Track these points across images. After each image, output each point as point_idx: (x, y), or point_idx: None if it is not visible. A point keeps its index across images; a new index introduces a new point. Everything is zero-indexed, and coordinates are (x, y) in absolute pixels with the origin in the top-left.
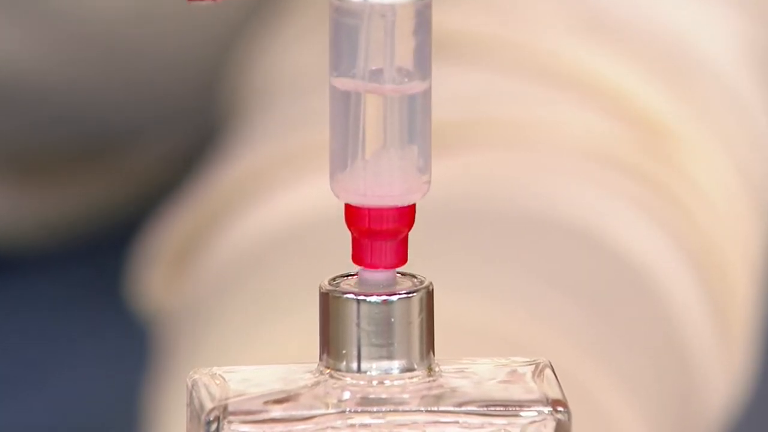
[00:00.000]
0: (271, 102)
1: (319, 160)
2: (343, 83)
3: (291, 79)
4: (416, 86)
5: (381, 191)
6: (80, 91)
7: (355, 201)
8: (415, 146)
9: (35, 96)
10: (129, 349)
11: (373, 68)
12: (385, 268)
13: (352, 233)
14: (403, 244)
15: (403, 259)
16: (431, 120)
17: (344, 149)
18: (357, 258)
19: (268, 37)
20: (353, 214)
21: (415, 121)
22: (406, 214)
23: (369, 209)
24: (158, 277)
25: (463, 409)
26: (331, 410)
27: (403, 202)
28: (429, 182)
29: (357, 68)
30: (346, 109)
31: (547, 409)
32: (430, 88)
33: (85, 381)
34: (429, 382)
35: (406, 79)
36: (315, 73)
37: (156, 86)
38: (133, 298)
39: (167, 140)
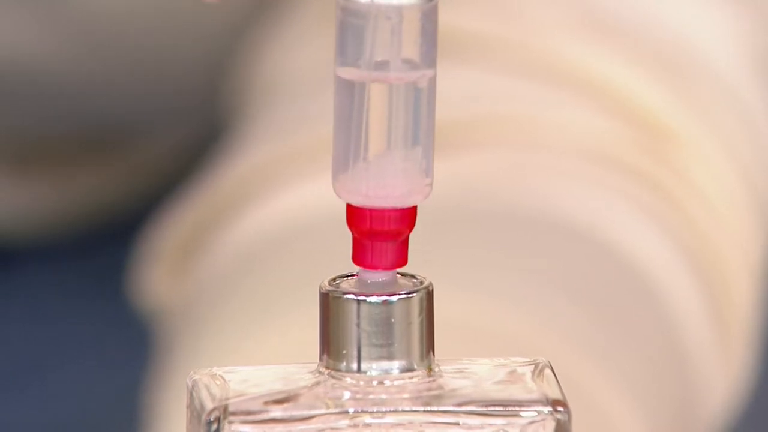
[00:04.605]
0: (274, 101)
1: (321, 160)
2: (349, 72)
3: (294, 78)
4: (421, 75)
5: (383, 192)
6: (85, 85)
7: (357, 201)
8: (420, 148)
9: (41, 88)
10: (130, 346)
11: (379, 60)
12: (385, 269)
13: (353, 234)
14: (404, 245)
15: (403, 261)
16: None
17: (347, 148)
18: (357, 258)
19: (271, 35)
20: (355, 215)
21: (420, 120)
22: (408, 216)
23: (371, 210)
24: (160, 274)
25: (463, 409)
26: (331, 410)
27: (405, 203)
28: (431, 185)
29: (362, 59)
30: (350, 104)
31: (546, 409)
32: (434, 82)
33: (85, 377)
34: (429, 382)
35: (411, 67)
36: (318, 73)
37: (160, 82)
38: (135, 295)
39: (171, 137)
